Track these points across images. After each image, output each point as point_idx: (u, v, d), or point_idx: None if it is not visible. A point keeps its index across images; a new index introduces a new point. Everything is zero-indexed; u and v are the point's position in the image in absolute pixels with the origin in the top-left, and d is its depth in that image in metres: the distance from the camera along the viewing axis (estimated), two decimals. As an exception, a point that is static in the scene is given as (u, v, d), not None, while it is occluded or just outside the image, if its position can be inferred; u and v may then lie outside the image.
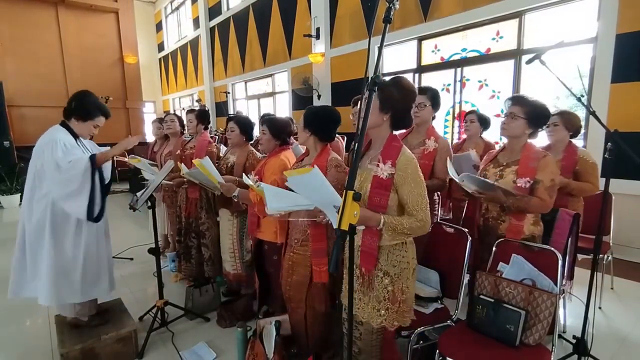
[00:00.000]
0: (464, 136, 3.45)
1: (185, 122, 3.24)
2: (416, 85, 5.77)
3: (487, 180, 1.86)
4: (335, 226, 1.37)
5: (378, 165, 1.46)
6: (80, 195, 2.00)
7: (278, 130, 2.27)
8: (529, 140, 1.97)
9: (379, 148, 1.51)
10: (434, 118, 2.43)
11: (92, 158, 2.02)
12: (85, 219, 2.03)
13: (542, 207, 1.86)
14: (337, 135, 3.44)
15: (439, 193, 2.65)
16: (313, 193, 1.41)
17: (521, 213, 1.92)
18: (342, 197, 1.69)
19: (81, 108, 2.11)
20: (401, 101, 1.46)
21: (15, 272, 2.09)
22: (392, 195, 1.44)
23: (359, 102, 1.62)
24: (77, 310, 2.20)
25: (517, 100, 1.94)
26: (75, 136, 2.13)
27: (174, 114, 3.60)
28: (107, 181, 2.16)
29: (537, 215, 1.97)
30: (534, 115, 1.89)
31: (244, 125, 2.66)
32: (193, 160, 2.38)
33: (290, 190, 1.50)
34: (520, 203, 1.84)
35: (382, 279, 1.51)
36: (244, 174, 2.28)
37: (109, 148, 2.16)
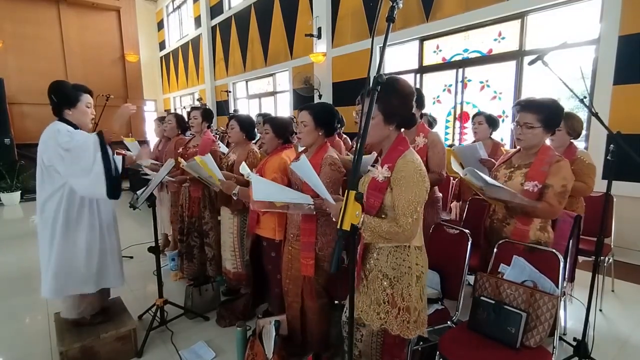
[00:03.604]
0: (469, 137, 3.43)
1: (190, 120, 3.22)
2: (417, 87, 5.78)
3: (486, 177, 1.77)
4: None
5: (377, 168, 1.47)
6: (93, 170, 1.91)
7: (281, 129, 2.28)
8: (547, 142, 1.87)
9: (384, 153, 1.50)
10: (422, 116, 2.46)
11: (99, 134, 1.98)
12: (104, 196, 1.94)
13: (550, 213, 1.79)
14: (338, 134, 3.45)
15: (439, 192, 2.65)
16: (310, 181, 1.56)
17: (527, 217, 1.85)
18: (338, 195, 1.75)
19: (64, 96, 2.07)
20: (403, 107, 1.42)
21: (44, 273, 2.08)
22: (387, 197, 1.42)
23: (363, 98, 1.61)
24: (80, 310, 2.19)
25: (529, 106, 1.80)
26: (77, 128, 2.11)
27: (174, 114, 3.60)
28: (119, 169, 2.09)
29: (544, 221, 1.88)
30: (549, 120, 1.78)
31: (244, 123, 2.66)
32: (195, 157, 2.38)
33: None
34: (525, 205, 1.76)
35: (382, 280, 1.49)
36: (243, 162, 2.29)
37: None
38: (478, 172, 1.77)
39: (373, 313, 1.51)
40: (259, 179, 1.81)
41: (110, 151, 1.99)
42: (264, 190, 1.73)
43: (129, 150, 3.42)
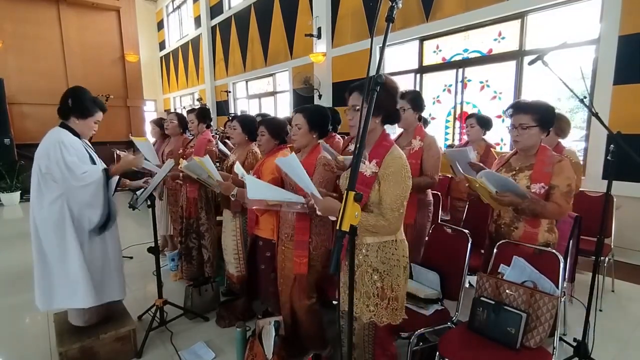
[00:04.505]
0: (465, 138, 3.43)
1: (187, 123, 3.23)
2: (417, 87, 5.78)
3: (508, 178, 1.76)
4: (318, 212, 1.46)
5: (364, 163, 1.49)
6: (94, 206, 2.02)
7: (276, 130, 2.28)
8: (542, 143, 1.89)
9: (370, 147, 1.54)
10: (420, 119, 2.45)
11: (106, 171, 2.05)
12: (96, 228, 2.04)
13: (559, 213, 1.79)
14: (337, 134, 3.46)
15: (436, 193, 2.66)
16: (297, 177, 1.53)
17: (536, 219, 1.84)
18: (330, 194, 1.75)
19: (79, 105, 2.05)
20: (388, 100, 1.47)
21: (40, 283, 2.03)
22: (374, 192, 1.47)
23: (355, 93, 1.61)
24: (86, 318, 2.17)
25: (523, 108, 1.83)
26: (77, 136, 2.09)
27: (175, 113, 3.60)
28: (112, 193, 2.15)
29: (551, 222, 1.90)
30: (544, 119, 1.80)
31: (246, 124, 2.65)
32: (193, 157, 2.38)
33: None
34: (536, 207, 1.75)
35: (372, 274, 1.53)
36: (237, 163, 2.29)
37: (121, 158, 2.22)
38: (493, 172, 1.77)
39: (362, 306, 1.55)
40: (252, 179, 1.81)
41: (111, 192, 2.08)
42: (258, 189, 1.75)
43: (137, 150, 3.39)
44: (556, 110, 1.93)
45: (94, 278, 2.08)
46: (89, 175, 1.99)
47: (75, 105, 2.05)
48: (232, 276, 2.74)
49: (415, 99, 2.37)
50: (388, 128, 1.61)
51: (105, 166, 2.11)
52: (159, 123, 3.94)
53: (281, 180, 2.10)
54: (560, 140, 2.64)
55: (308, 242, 1.92)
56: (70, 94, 2.05)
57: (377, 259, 1.52)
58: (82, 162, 2.01)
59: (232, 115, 5.53)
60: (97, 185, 2.00)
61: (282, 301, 2.12)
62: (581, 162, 2.61)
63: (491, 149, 3.23)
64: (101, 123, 2.20)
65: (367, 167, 1.47)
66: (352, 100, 1.57)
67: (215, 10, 10.70)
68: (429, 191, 2.46)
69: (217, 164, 2.94)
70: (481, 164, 2.33)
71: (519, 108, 1.85)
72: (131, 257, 3.86)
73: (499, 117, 4.77)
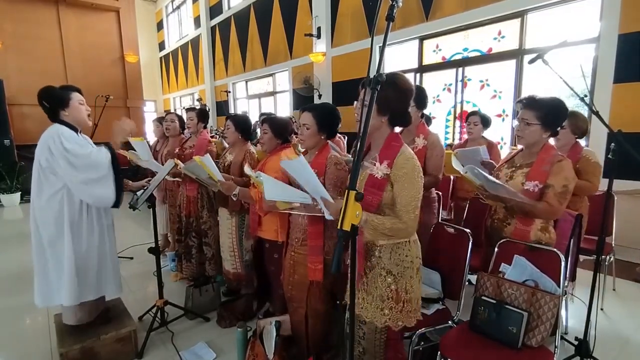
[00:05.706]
0: (465, 136, 3.43)
1: (186, 121, 3.24)
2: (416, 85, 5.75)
3: (487, 175, 1.75)
4: (327, 216, 1.40)
5: (374, 164, 1.46)
6: (107, 180, 2.04)
7: (279, 129, 2.27)
8: (549, 142, 1.86)
9: (378, 148, 1.51)
10: (423, 116, 2.42)
11: (109, 147, 2.11)
12: (110, 205, 2.07)
13: (550, 213, 1.77)
14: (338, 133, 3.45)
15: (437, 192, 2.65)
16: (304, 180, 1.46)
17: (528, 217, 1.83)
18: (342, 195, 1.73)
19: (55, 98, 2.06)
20: (398, 101, 1.44)
21: (39, 278, 2.05)
22: (386, 194, 1.43)
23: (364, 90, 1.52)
24: (78, 317, 2.17)
25: (529, 104, 1.81)
26: (75, 130, 2.10)
27: (174, 114, 3.60)
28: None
29: (546, 222, 1.87)
30: (549, 118, 1.77)
31: (240, 123, 2.65)
32: (193, 157, 2.37)
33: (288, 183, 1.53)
34: (524, 205, 1.74)
35: (385, 277, 1.50)
36: (245, 165, 2.27)
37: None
38: (477, 169, 1.76)
39: (376, 310, 1.52)
40: (270, 179, 1.71)
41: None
42: (276, 190, 1.65)
43: (133, 149, 3.39)
44: (572, 109, 1.90)
45: (89, 273, 2.09)
46: (98, 153, 2.04)
47: (52, 100, 2.06)
48: (228, 272, 2.75)
49: (419, 97, 2.32)
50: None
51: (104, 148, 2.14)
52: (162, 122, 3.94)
53: (287, 180, 2.09)
54: (578, 140, 2.51)
55: (322, 246, 1.83)
56: (42, 97, 2.06)
57: (391, 260, 1.50)
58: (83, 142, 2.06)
59: (229, 114, 5.56)
60: (110, 161, 2.06)
61: (293, 307, 2.03)
62: (601, 163, 2.49)
63: (495, 146, 3.21)
64: (101, 123, 2.20)
65: (379, 169, 1.44)
66: (362, 95, 1.53)
67: (214, 11, 10.71)
68: (433, 189, 2.45)
69: (215, 163, 2.92)
70: (492, 162, 2.32)
71: (527, 103, 1.84)
72: (131, 258, 3.86)
73: (499, 116, 4.78)
